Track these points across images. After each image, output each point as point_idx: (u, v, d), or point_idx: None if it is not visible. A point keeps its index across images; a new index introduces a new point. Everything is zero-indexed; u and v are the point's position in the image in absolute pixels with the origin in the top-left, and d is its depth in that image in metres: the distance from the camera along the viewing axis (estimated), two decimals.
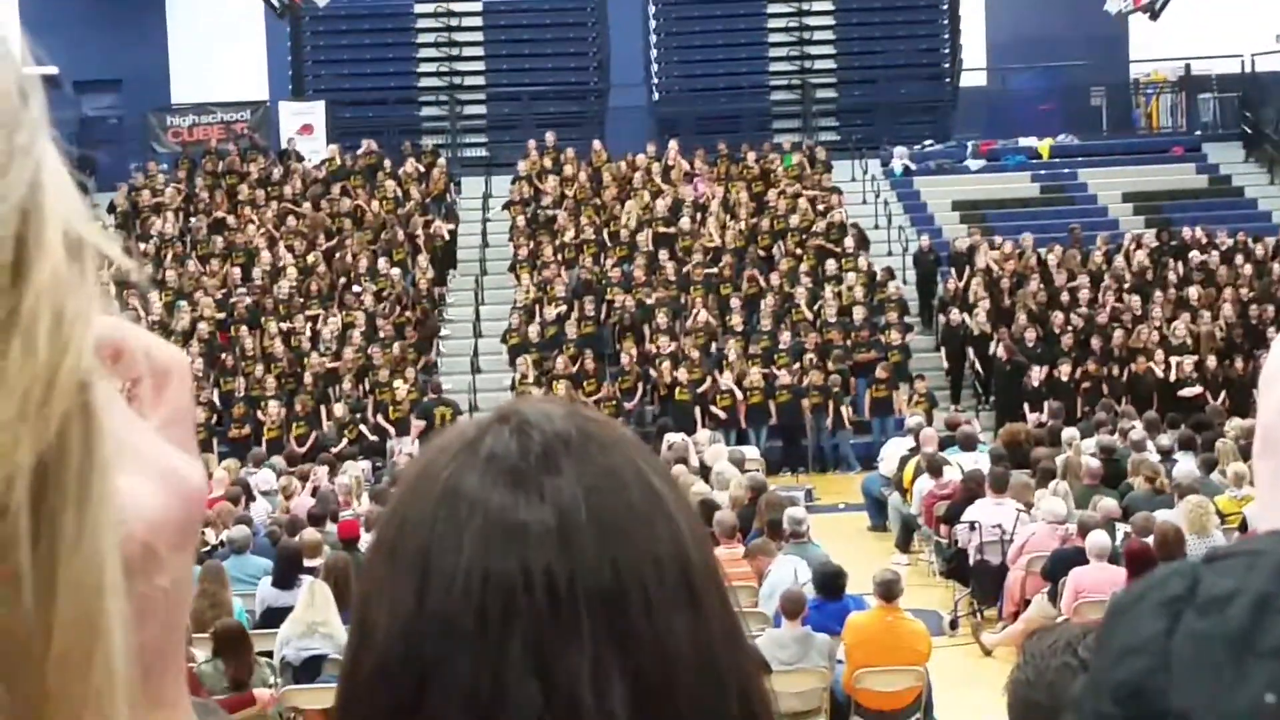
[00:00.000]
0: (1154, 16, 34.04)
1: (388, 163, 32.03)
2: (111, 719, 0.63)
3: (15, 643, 0.59)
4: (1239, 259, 28.63)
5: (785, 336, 26.58)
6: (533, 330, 27.09)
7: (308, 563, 13.24)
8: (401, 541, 1.15)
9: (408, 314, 27.87)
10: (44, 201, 0.67)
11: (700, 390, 25.62)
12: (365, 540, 14.00)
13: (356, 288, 28.26)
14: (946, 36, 36.52)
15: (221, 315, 27.65)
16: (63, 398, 0.62)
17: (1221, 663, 0.60)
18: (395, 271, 28.80)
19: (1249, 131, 34.73)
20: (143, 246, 29.66)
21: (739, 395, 25.56)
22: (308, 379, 25.81)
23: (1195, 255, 28.76)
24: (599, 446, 1.16)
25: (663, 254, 28.84)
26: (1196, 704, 0.60)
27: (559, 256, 29.17)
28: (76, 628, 0.61)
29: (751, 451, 22.38)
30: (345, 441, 24.28)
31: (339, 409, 25.13)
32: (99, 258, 0.70)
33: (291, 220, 30.34)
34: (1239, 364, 25.39)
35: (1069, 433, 20.17)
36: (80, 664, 0.61)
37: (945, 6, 36.48)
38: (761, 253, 29.36)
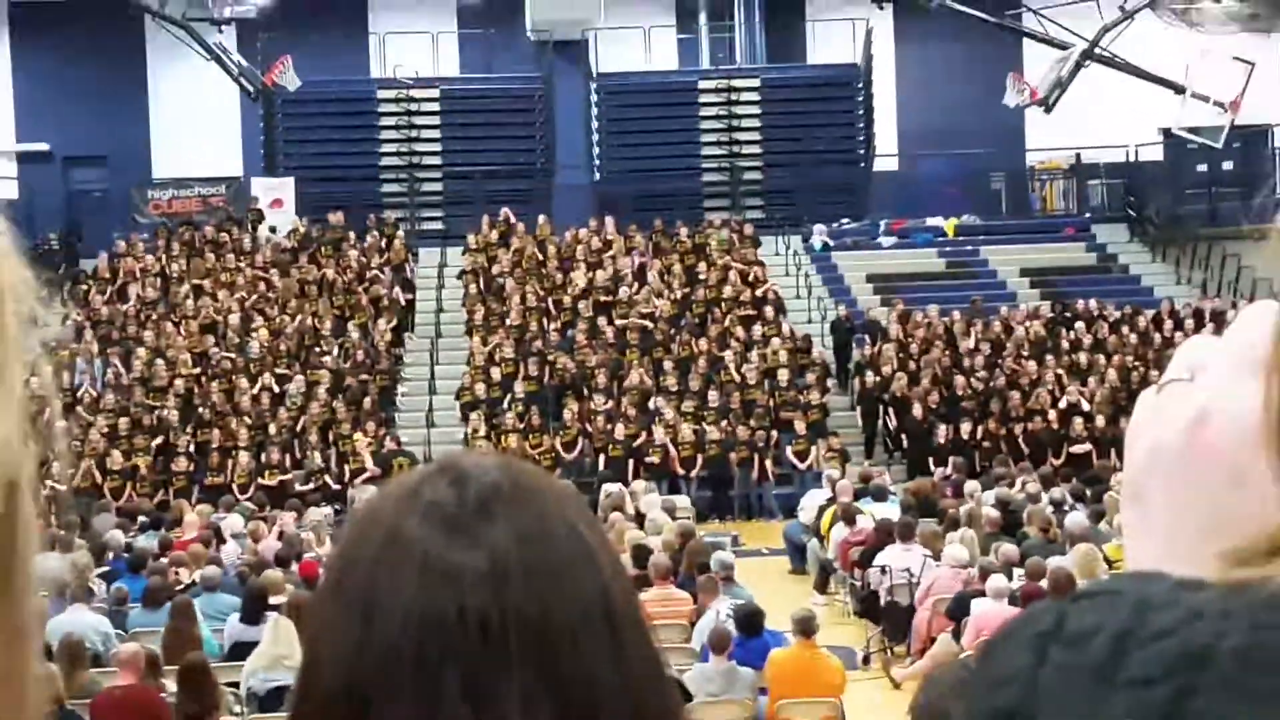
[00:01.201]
0: (1048, 110, 34.38)
1: (351, 234, 32.00)
2: None
3: None
4: (1124, 329, 28.90)
5: (714, 395, 26.61)
6: (481, 389, 27.02)
7: (273, 600, 13.13)
8: (347, 581, 1.14)
9: (367, 374, 27.76)
10: None
11: (636, 444, 25.61)
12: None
13: (320, 348, 28.15)
14: (862, 126, 36.77)
15: (197, 371, 27.48)
16: None
17: (1084, 692, 0.61)
18: (357, 334, 28.71)
19: (1133, 214, 35.12)
20: (123, 308, 29.48)
21: (671, 449, 25.56)
22: (274, 430, 25.66)
23: (1083, 326, 29.01)
24: (530, 496, 1.16)
25: (602, 320, 28.85)
26: None
27: (506, 322, 29.15)
28: None
29: (682, 500, 22.35)
30: (310, 488, 24.14)
31: (308, 459, 25.00)
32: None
33: (262, 286, 30.22)
34: (1124, 424, 25.52)
35: (971, 486, 20.25)
36: None
37: (861, 99, 36.75)
38: (694, 319, 29.42)
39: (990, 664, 0.66)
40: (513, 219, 32.25)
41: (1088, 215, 35.75)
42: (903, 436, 26.70)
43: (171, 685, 11.00)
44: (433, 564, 1.11)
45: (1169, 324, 28.78)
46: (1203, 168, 34.47)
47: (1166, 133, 34.84)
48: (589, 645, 1.11)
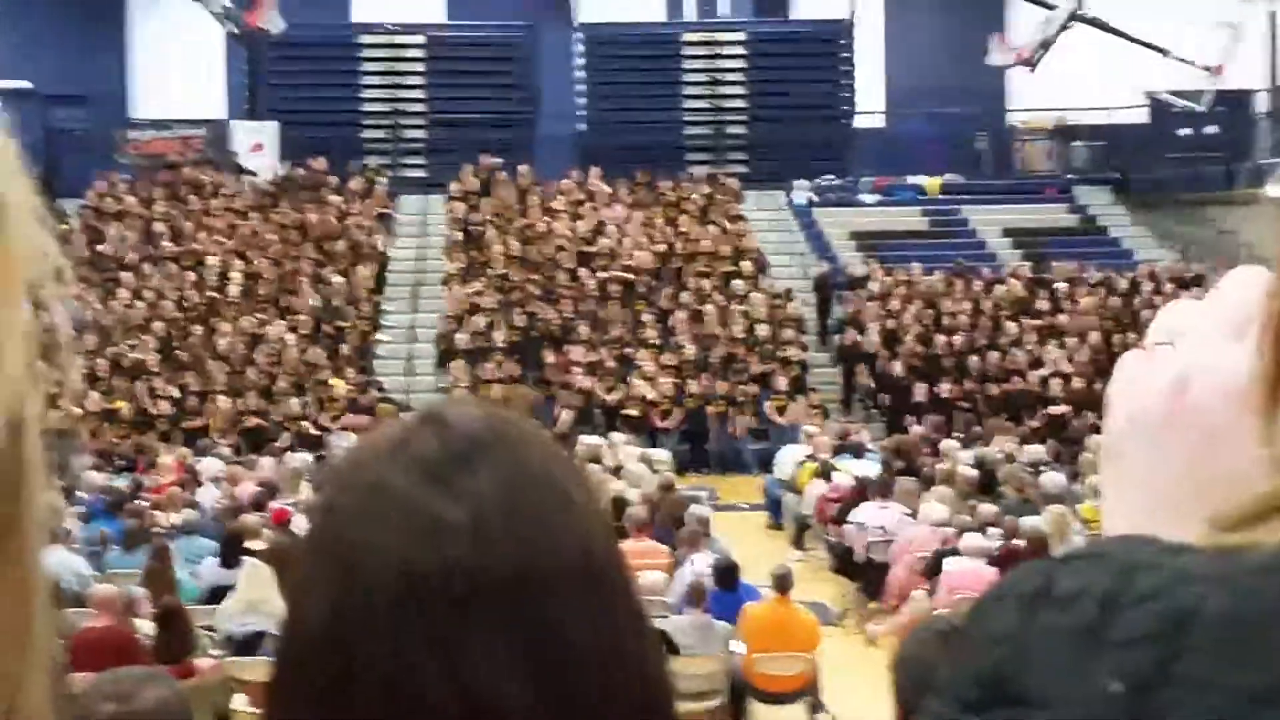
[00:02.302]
0: (1032, 69, 34.35)
1: (333, 180, 31.88)
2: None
3: None
4: (1104, 292, 28.93)
5: (693, 349, 26.61)
6: (461, 338, 26.99)
7: (250, 545, 13.13)
8: (330, 534, 1.15)
9: (346, 321, 27.69)
10: None
11: (615, 397, 25.61)
12: (299, 524, 13.93)
13: (300, 294, 28.06)
14: (846, 82, 36.71)
15: (178, 315, 27.39)
16: None
17: (1071, 653, 0.62)
18: (337, 279, 28.63)
19: (1115, 177, 35.11)
20: (101, 249, 29.35)
21: (651, 401, 25.57)
22: (253, 375, 25.61)
23: (1065, 287, 29.03)
24: (513, 448, 1.16)
25: (583, 271, 28.81)
26: (1049, 688, 0.62)
27: (488, 271, 29.09)
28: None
29: (661, 453, 22.37)
30: (290, 433, 24.10)
31: (286, 404, 24.95)
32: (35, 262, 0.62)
33: (243, 230, 30.10)
34: (1103, 386, 25.57)
35: (948, 444, 20.29)
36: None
37: (846, 54, 36.68)
38: (674, 273, 29.39)
39: (979, 623, 0.68)
40: (495, 168, 32.14)
41: (1069, 177, 35.74)
42: (881, 394, 26.75)
43: (148, 627, 11.03)
44: (414, 517, 1.11)
45: (1149, 287, 28.81)
46: (1186, 132, 34.46)
47: (1150, 96, 34.83)
48: (569, 599, 1.11)
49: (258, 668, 10.50)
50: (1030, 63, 34.02)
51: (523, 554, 1.11)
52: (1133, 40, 33.27)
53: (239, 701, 10.83)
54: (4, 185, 0.58)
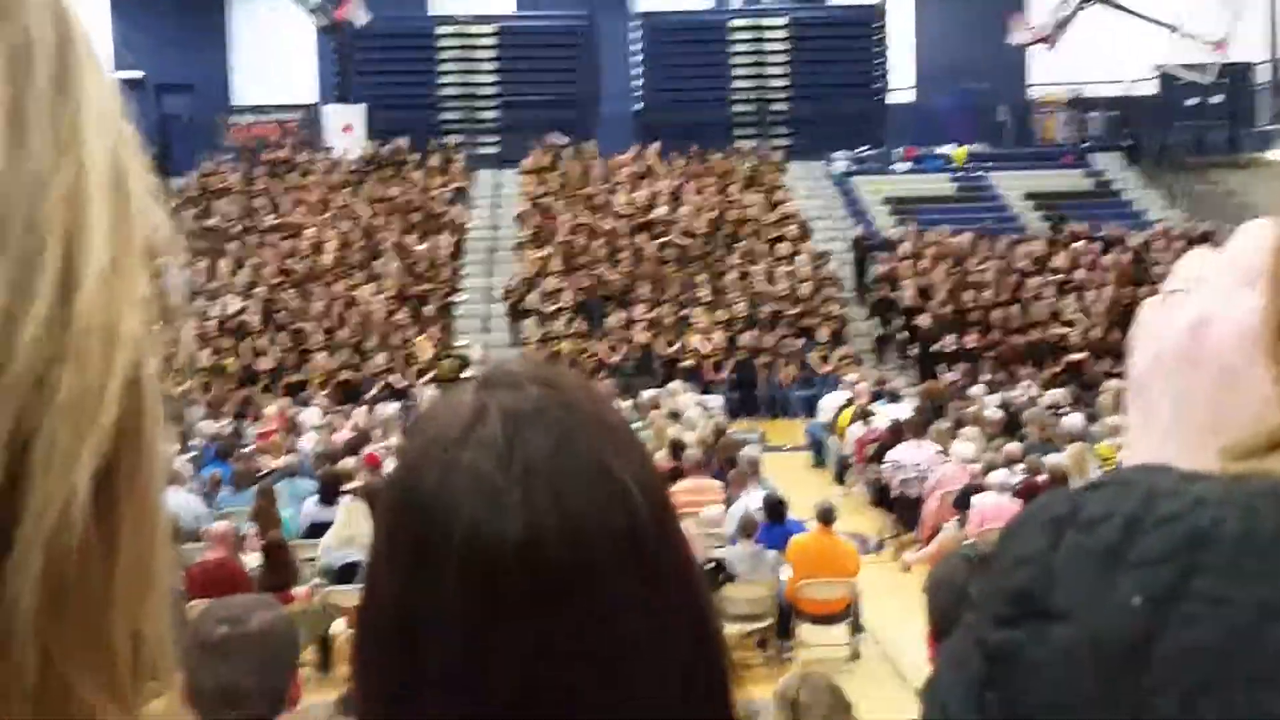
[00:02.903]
0: (1051, 46, 34.00)
1: (415, 158, 31.98)
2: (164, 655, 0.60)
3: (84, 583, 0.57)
4: (1118, 250, 28.66)
5: (742, 306, 26.57)
6: (532, 299, 27.05)
7: (345, 486, 13.25)
8: (403, 516, 1.12)
9: (429, 284, 27.80)
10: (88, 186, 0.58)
11: (672, 349, 25.63)
12: (388, 468, 14.03)
13: (386, 261, 28.19)
14: (880, 61, 36.51)
15: (277, 281, 27.58)
16: (113, 408, 0.56)
17: (1095, 572, 0.61)
18: (421, 247, 28.73)
19: (1127, 144, 34.74)
20: (208, 224, 29.58)
21: (704, 354, 25.57)
22: (345, 335, 25.77)
23: (1082, 245, 28.78)
24: (572, 436, 1.12)
25: (641, 237, 28.78)
26: (1075, 605, 0.61)
27: (556, 238, 29.12)
28: (136, 577, 0.58)
29: (714, 400, 22.39)
30: (379, 386, 24.24)
31: (375, 360, 25.09)
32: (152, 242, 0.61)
33: (334, 203, 30.26)
34: (1118, 335, 25.39)
35: (976, 389, 20.22)
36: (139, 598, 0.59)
37: (880, 35, 36.46)
38: (725, 238, 29.33)
39: (1009, 546, 0.67)
40: (561, 145, 32.12)
41: (1085, 145, 35.40)
42: (913, 344, 26.63)
43: (255, 560, 11.15)
44: (481, 501, 1.08)
45: (1160, 245, 28.51)
46: (1193, 101, 34.05)
47: (1160, 69, 34.42)
48: (617, 580, 1.08)
49: (354, 595, 10.60)
50: (1049, 41, 33.67)
51: (578, 540, 1.08)
52: (1143, 18, 32.87)
53: (338, 625, 10.95)
54: (127, 165, 0.58)
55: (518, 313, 27.11)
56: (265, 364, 25.21)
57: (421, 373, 24.81)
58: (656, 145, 32.15)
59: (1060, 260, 28.38)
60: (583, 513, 1.08)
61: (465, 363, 24.13)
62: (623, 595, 1.08)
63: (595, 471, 1.11)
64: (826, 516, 11.81)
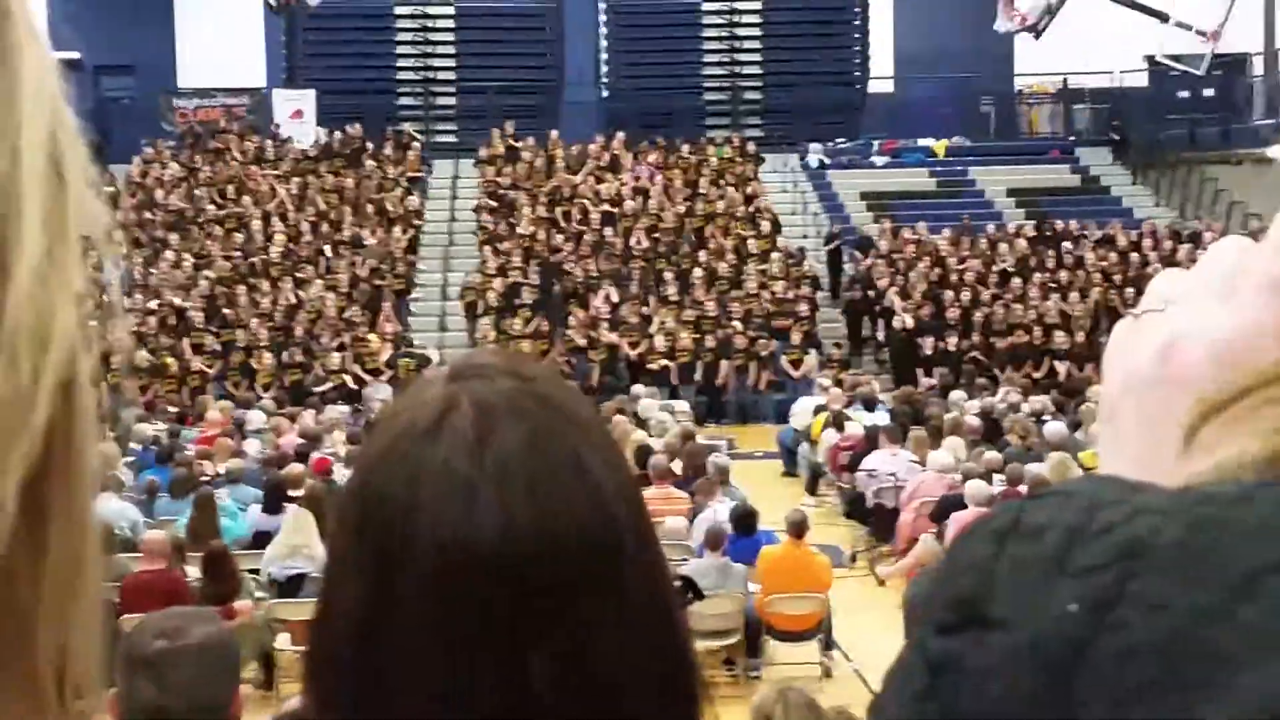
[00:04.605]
0: (1037, 36, 34.13)
1: (369, 145, 31.89)
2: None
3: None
4: (1104, 249, 28.79)
5: (711, 305, 26.58)
6: (491, 296, 27.00)
7: (292, 492, 13.22)
8: (367, 520, 1.10)
9: (382, 280, 27.71)
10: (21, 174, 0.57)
11: (638, 351, 25.63)
12: (339, 474, 13.99)
13: (338, 254, 28.09)
14: (858, 49, 36.55)
15: (222, 275, 27.44)
16: (44, 411, 0.55)
17: (1036, 580, 0.64)
18: (373, 241, 28.66)
19: (1116, 138, 34.92)
20: (149, 215, 29.42)
21: (672, 355, 25.56)
22: (296, 332, 25.66)
23: (1067, 245, 28.90)
24: (547, 432, 1.11)
25: (608, 231, 28.77)
26: (1014, 613, 0.64)
27: (516, 231, 29.08)
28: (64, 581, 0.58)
29: (681, 404, 22.38)
30: (329, 387, 24.18)
31: (325, 359, 25.01)
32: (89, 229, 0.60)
33: (282, 193, 30.14)
34: (1103, 339, 25.47)
35: (955, 395, 20.30)
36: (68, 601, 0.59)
37: (858, 22, 36.51)
38: (693, 233, 29.34)
39: (955, 555, 0.70)
40: (513, 137, 31.95)
41: (1072, 139, 35.56)
42: (889, 347, 26.70)
43: (195, 570, 11.11)
44: (448, 504, 1.07)
45: (1148, 244, 28.67)
46: (1184, 94, 34.23)
47: (1150, 60, 34.60)
48: (590, 601, 1.08)
49: (299, 608, 10.59)
50: (1036, 29, 33.79)
51: (555, 548, 1.07)
52: (1133, 6, 33.03)
53: (282, 640, 10.93)
54: (64, 151, 0.57)
55: (475, 311, 27.06)
56: (208, 363, 25.12)
57: (375, 373, 24.75)
58: (623, 135, 32.13)
59: (1044, 260, 28.47)
60: (558, 512, 1.08)
61: (425, 363, 24.09)
62: (600, 601, 1.08)
63: (571, 468, 1.10)
64: (798, 528, 11.85)
